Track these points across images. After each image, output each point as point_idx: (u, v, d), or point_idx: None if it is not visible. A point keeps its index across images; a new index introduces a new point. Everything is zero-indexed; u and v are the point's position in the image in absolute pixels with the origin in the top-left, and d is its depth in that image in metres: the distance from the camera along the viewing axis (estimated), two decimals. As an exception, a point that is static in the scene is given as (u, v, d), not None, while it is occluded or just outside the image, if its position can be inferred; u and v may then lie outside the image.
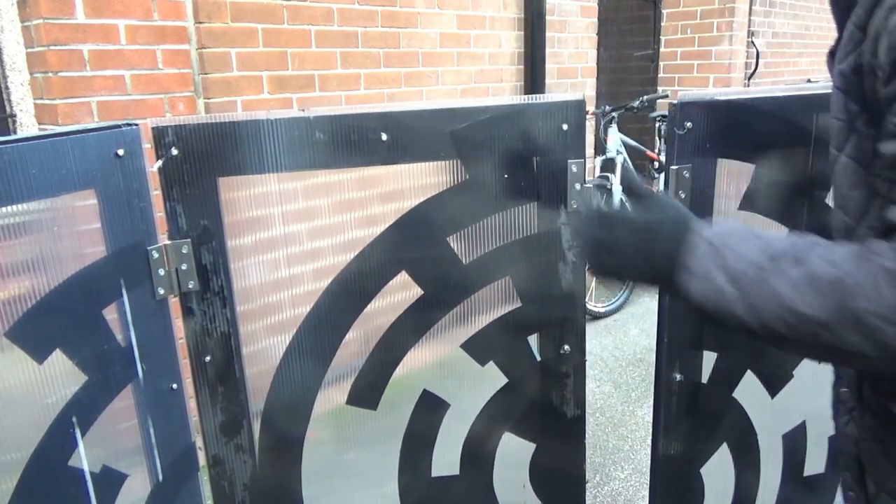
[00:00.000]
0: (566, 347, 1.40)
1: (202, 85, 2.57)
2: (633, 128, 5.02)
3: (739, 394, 1.48)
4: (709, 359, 1.43)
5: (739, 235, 0.70)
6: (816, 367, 0.82)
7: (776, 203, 1.36)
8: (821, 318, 0.62)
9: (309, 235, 1.28)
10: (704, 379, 1.44)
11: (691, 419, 1.46)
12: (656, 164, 4.56)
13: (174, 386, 1.17)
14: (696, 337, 1.41)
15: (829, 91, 0.76)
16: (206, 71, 2.56)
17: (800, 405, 1.50)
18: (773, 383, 1.48)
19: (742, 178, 1.34)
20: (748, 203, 1.36)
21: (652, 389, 3.21)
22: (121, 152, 1.05)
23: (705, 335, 1.41)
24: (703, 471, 1.50)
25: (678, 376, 1.41)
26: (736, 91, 1.36)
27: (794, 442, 1.55)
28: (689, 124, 1.27)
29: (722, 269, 0.68)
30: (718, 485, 1.53)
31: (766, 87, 1.38)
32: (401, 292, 1.30)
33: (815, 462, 1.57)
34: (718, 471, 1.52)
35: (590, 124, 4.33)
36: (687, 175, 1.29)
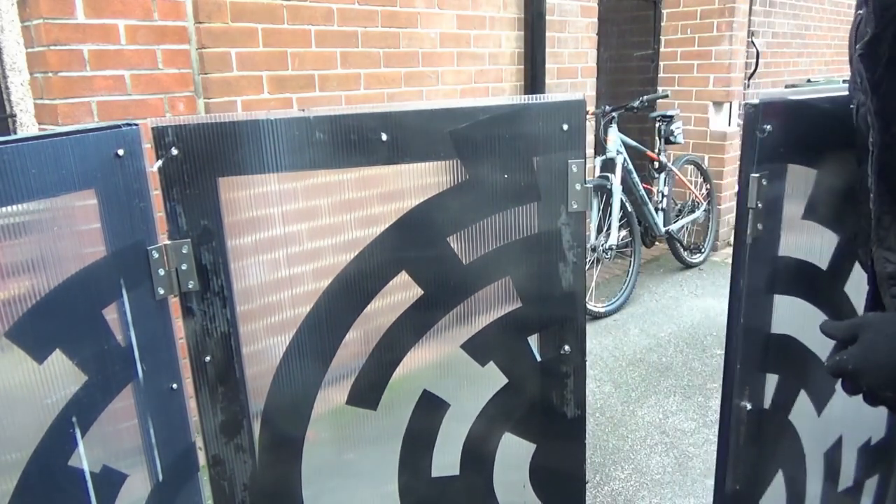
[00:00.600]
0: (566, 347, 1.40)
1: (202, 85, 2.57)
2: (633, 128, 5.02)
3: (793, 416, 1.41)
4: (770, 382, 1.35)
5: None
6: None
7: (839, 213, 1.26)
8: None
9: (309, 235, 1.28)
10: (766, 404, 1.36)
11: (756, 450, 1.38)
12: (656, 164, 4.55)
13: (174, 386, 1.17)
14: (763, 359, 1.33)
15: None
16: (206, 71, 2.56)
17: (838, 419, 1.45)
18: (820, 399, 1.42)
19: (810, 185, 1.26)
20: (812, 212, 1.27)
21: (652, 389, 3.19)
22: (121, 152, 1.05)
23: (770, 355, 1.32)
24: (761, 502, 1.43)
25: (748, 405, 1.33)
26: (809, 90, 1.29)
27: (833, 459, 1.50)
28: (768, 127, 1.17)
29: None
30: (773, 514, 1.47)
31: (836, 86, 1.32)
32: (401, 292, 1.30)
33: (847, 476, 1.53)
34: (774, 500, 1.45)
35: (590, 124, 4.33)
36: (765, 183, 1.20)
